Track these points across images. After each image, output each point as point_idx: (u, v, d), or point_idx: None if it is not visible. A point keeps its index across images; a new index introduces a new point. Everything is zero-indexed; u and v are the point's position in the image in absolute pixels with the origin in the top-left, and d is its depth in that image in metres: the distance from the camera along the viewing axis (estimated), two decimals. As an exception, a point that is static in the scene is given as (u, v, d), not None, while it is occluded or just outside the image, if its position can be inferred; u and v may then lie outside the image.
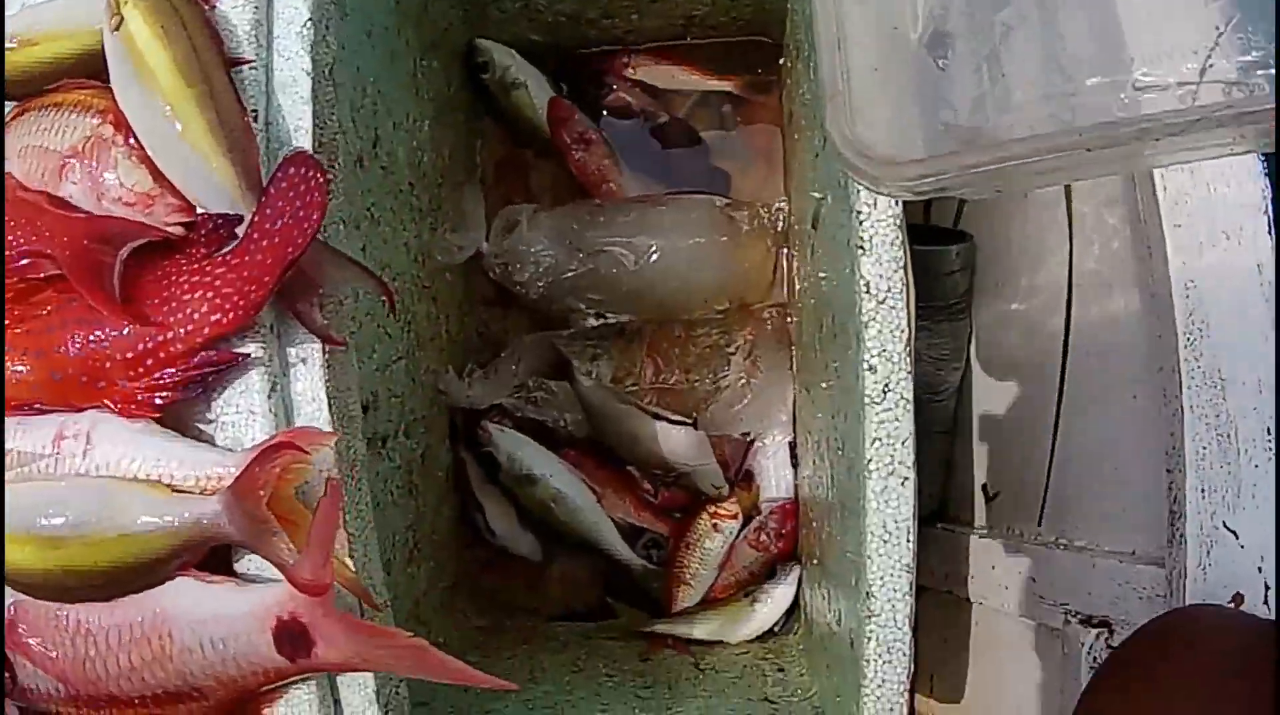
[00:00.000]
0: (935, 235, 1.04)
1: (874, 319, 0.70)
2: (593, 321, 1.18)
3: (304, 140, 0.75)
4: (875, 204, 0.70)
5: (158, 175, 0.67)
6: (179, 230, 0.67)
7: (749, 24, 1.19)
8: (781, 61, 1.19)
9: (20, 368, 0.64)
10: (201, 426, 0.67)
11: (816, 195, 0.93)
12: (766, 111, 1.21)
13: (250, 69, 0.74)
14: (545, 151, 1.23)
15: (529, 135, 1.22)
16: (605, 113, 1.22)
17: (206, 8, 0.74)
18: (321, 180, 0.67)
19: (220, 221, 0.66)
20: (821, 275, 0.92)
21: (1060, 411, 0.97)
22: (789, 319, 1.15)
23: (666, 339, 1.15)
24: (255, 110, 0.73)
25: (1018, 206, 1.01)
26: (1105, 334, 0.92)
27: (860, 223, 0.70)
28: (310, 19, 0.76)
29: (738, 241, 1.14)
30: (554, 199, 1.23)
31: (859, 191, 0.70)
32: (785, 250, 1.16)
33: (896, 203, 0.70)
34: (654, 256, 1.12)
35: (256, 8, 0.75)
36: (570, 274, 1.14)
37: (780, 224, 1.15)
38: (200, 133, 0.66)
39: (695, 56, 1.22)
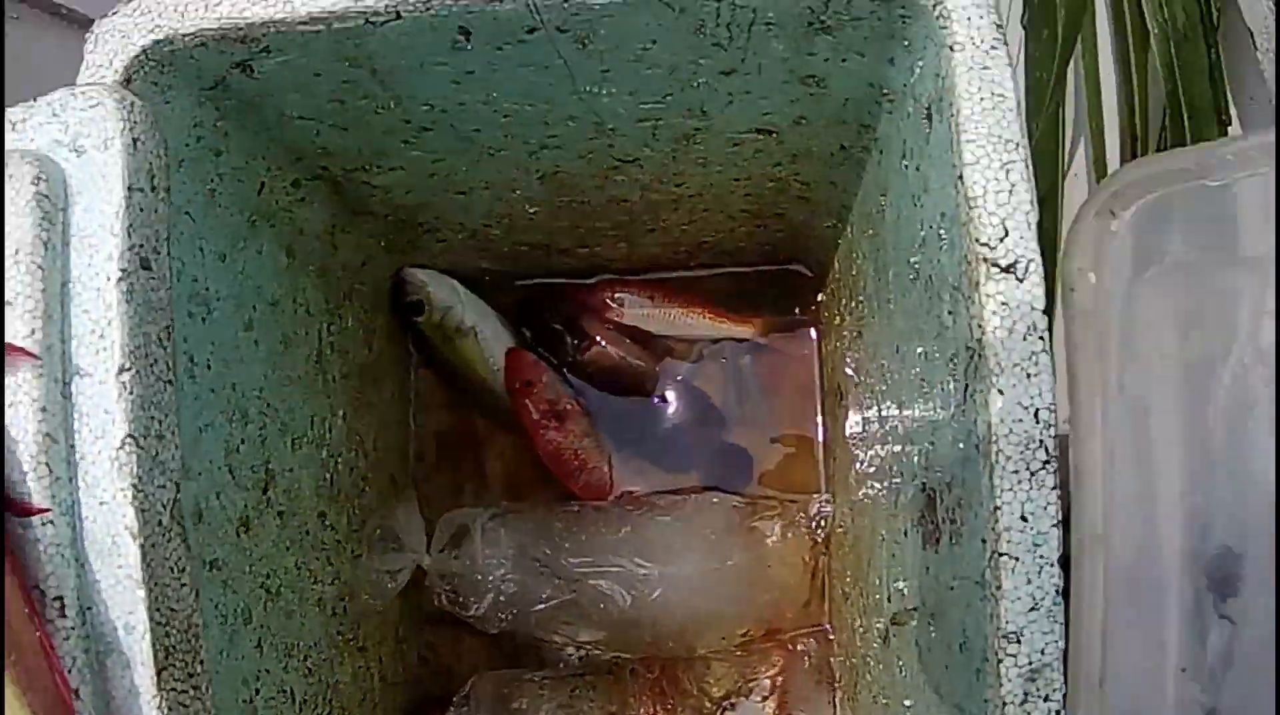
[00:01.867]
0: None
1: None
2: (572, 651, 0.88)
3: (139, 646, 0.48)
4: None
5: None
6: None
7: (776, 250, 0.88)
8: (821, 298, 0.89)
9: None
10: None
11: (903, 589, 0.64)
12: (799, 366, 0.90)
13: (43, 524, 0.45)
14: (502, 419, 0.91)
15: (480, 396, 0.91)
16: (584, 368, 0.90)
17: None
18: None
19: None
20: (909, 703, 0.63)
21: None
22: (833, 651, 0.86)
23: (668, 680, 0.85)
24: (60, 597, 0.45)
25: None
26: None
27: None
28: (130, 434, 0.46)
29: (765, 558, 0.83)
30: (515, 486, 0.92)
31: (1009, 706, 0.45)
32: (826, 559, 0.86)
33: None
34: (655, 591, 0.81)
35: (44, 410, 0.45)
36: (542, 606, 0.83)
37: (822, 530, 0.85)
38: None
39: (702, 291, 0.91)
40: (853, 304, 0.75)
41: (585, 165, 0.69)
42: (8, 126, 0.50)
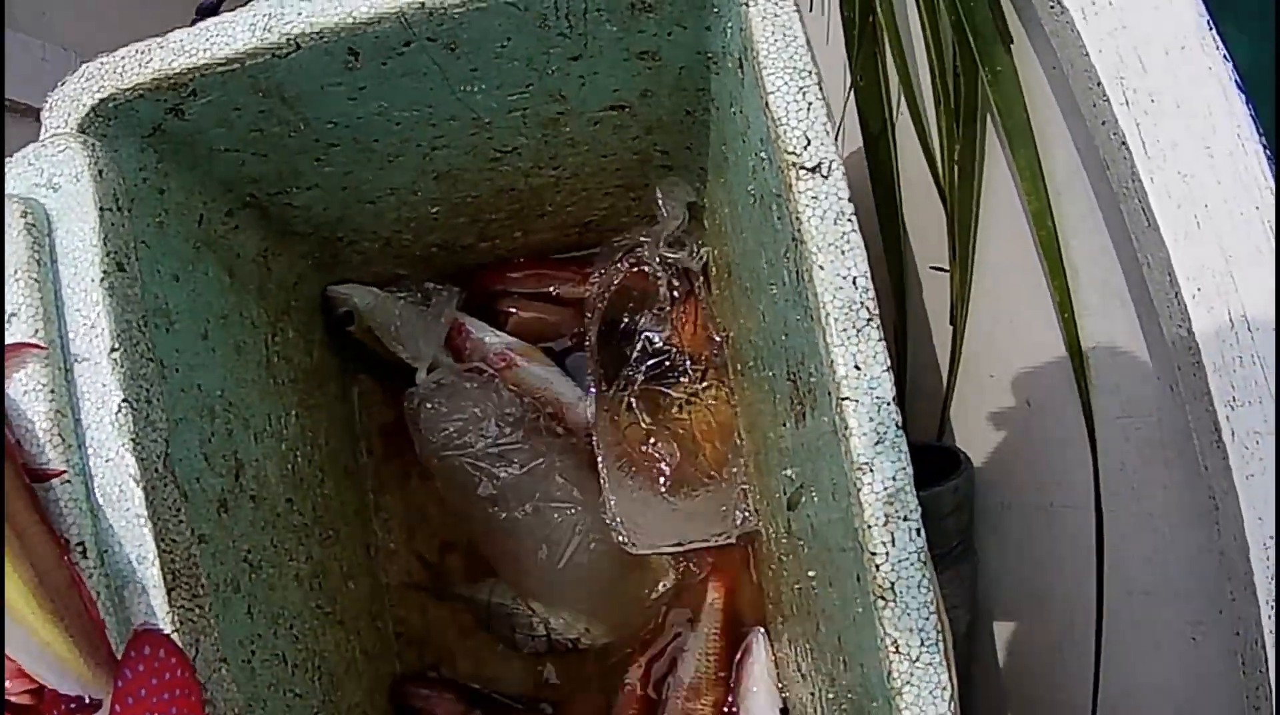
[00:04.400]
0: (923, 462, 0.87)
1: (909, 683, 0.52)
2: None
3: (150, 572, 0.56)
4: (894, 541, 0.53)
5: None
6: (26, 700, 0.51)
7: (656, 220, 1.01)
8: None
9: None
10: None
11: (790, 475, 0.75)
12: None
13: (62, 483, 0.55)
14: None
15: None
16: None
17: (-14, 395, 0.54)
18: (184, 673, 0.49)
19: (75, 706, 0.51)
20: (812, 575, 0.73)
21: (1100, 656, 0.81)
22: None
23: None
24: (81, 542, 0.55)
25: (1019, 410, 0.86)
26: (1147, 569, 0.76)
27: (878, 567, 0.53)
28: (124, 399, 0.56)
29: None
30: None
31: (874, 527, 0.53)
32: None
33: (919, 533, 0.53)
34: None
35: (53, 392, 0.55)
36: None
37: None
38: (15, 596, 0.50)
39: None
40: (722, 248, 0.87)
41: (471, 159, 0.80)
42: (-13, 181, 0.60)
